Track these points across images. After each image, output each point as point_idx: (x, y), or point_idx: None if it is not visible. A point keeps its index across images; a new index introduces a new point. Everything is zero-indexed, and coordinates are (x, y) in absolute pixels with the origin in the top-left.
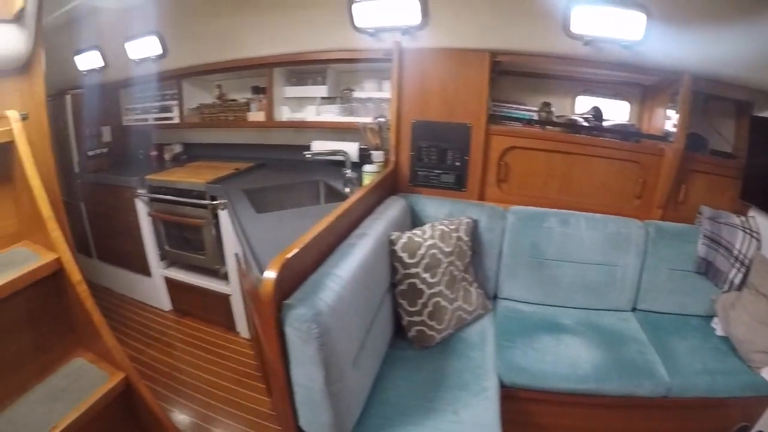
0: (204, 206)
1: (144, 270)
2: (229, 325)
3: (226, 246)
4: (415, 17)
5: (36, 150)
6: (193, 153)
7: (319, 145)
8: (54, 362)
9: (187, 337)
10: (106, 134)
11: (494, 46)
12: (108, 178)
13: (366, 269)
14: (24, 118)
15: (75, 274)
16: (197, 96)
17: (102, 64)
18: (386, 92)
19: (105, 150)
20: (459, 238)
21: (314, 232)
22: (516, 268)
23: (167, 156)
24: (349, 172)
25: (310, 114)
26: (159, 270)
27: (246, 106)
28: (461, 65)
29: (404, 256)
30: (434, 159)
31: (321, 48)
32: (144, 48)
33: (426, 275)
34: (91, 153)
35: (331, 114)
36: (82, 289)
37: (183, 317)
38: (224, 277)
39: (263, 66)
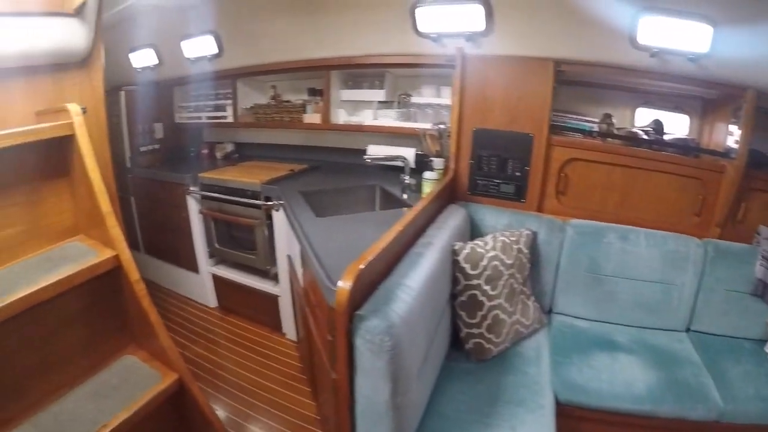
0: (258, 206)
1: (192, 266)
2: (275, 326)
3: (278, 247)
4: (479, 23)
5: (94, 144)
6: (244, 152)
7: (375, 150)
8: (105, 358)
9: (231, 335)
10: (159, 131)
11: (559, 55)
12: (160, 174)
13: (433, 280)
14: (83, 112)
15: (133, 273)
16: (251, 96)
17: (156, 61)
18: (445, 98)
19: (157, 146)
20: (519, 250)
21: (385, 241)
22: (572, 283)
23: (219, 154)
24: (407, 179)
25: (367, 118)
26: (207, 267)
27: (301, 108)
28: (524, 73)
29: (467, 267)
30: (494, 168)
31: (381, 51)
32: (199, 47)
33: (487, 287)
34: (143, 149)
35: (388, 119)
36: (140, 288)
37: (228, 315)
38: (274, 277)
39: (320, 68)
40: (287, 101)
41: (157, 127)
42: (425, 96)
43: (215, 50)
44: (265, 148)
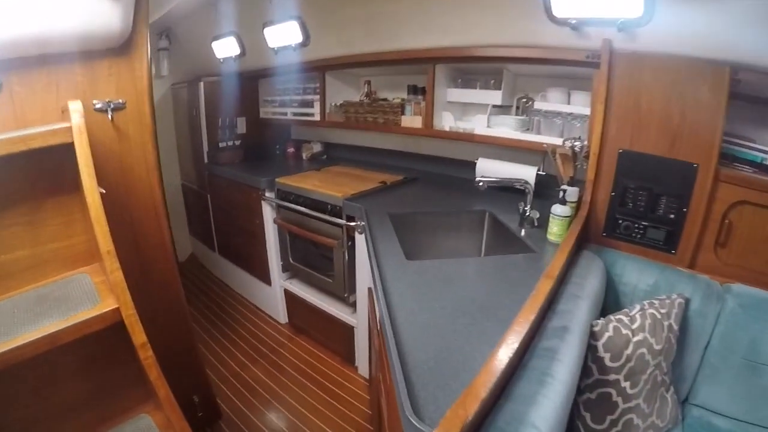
0: (338, 225)
1: (264, 277)
2: (348, 357)
3: (359, 273)
4: (635, 7)
5: (133, 146)
6: (333, 154)
7: (486, 165)
8: (116, 415)
9: (298, 360)
10: (241, 125)
11: (737, 57)
12: (235, 173)
13: (568, 399)
14: (119, 107)
15: (138, 335)
16: (342, 92)
17: (239, 51)
18: (577, 107)
19: (238, 142)
20: (670, 328)
21: (505, 353)
22: (721, 370)
23: (305, 155)
24: (528, 210)
25: (479, 124)
26: (280, 280)
27: (399, 108)
28: (692, 80)
29: (606, 356)
30: (642, 205)
31: (500, 42)
32: (284, 35)
33: (626, 384)
34: (222, 144)
35: (505, 128)
36: (146, 355)
37: (298, 334)
38: (352, 305)
39: (423, 61)
40: (383, 99)
41: (240, 121)
42: (551, 101)
43: (300, 38)
44: (356, 151)
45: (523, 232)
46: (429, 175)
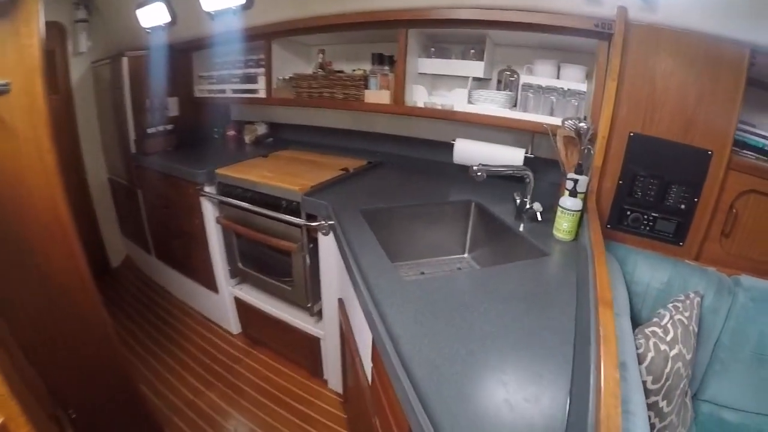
0: (297, 225)
1: (209, 284)
2: (315, 370)
3: (324, 280)
4: None
5: (22, 144)
6: (281, 136)
7: (465, 147)
8: None
9: (258, 377)
10: (173, 107)
11: (757, 38)
12: (167, 164)
13: None
14: (5, 90)
15: None
16: (292, 63)
17: (168, 18)
18: (570, 82)
19: (170, 127)
20: (693, 332)
21: None
22: (731, 365)
23: (248, 138)
24: (528, 202)
25: (459, 101)
26: (228, 288)
27: (362, 81)
28: (712, 61)
29: (648, 380)
30: (651, 195)
31: (490, 2)
32: None
33: (663, 403)
34: (151, 130)
35: (492, 104)
36: None
37: (255, 346)
38: (317, 313)
39: (394, 24)
40: (340, 72)
41: (172, 102)
42: (538, 75)
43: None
44: (307, 131)
45: (521, 228)
46: (395, 159)
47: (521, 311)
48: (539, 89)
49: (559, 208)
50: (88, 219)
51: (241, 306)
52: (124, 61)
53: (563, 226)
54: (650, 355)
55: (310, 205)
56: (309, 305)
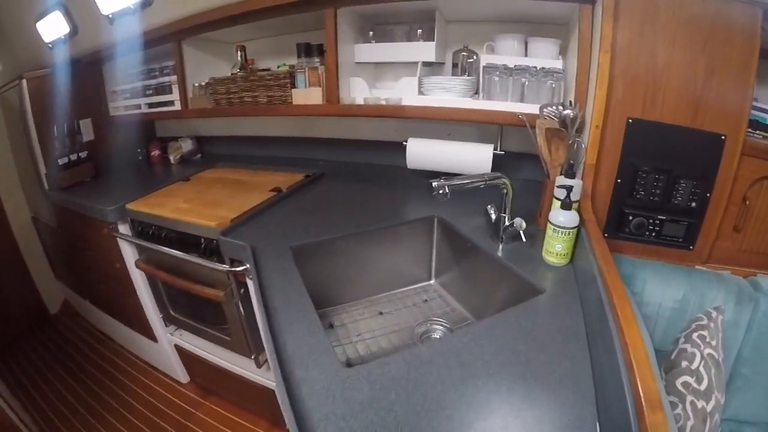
0: (220, 271)
1: (145, 332)
2: (276, 420)
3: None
4: None
5: None
6: (210, 151)
7: (419, 148)
8: None
9: None
10: (87, 131)
11: None
12: (76, 201)
13: None
14: None
15: None
16: (211, 67)
17: (68, 29)
18: (545, 60)
19: (84, 154)
20: (722, 362)
21: None
22: (753, 379)
23: (173, 157)
24: (507, 218)
25: (408, 92)
26: (166, 335)
27: (287, 79)
28: (724, 27)
29: None
30: (657, 194)
31: None
32: None
33: None
34: (63, 160)
35: (447, 93)
36: None
37: (207, 397)
38: (264, 363)
39: (314, 5)
40: (265, 70)
41: (84, 125)
42: (502, 54)
43: None
44: (240, 143)
45: (500, 251)
46: (339, 168)
47: (521, 401)
48: (506, 71)
49: (551, 227)
50: (16, 264)
51: (184, 354)
52: (23, 84)
53: (556, 248)
54: (690, 424)
55: (228, 247)
56: (253, 356)
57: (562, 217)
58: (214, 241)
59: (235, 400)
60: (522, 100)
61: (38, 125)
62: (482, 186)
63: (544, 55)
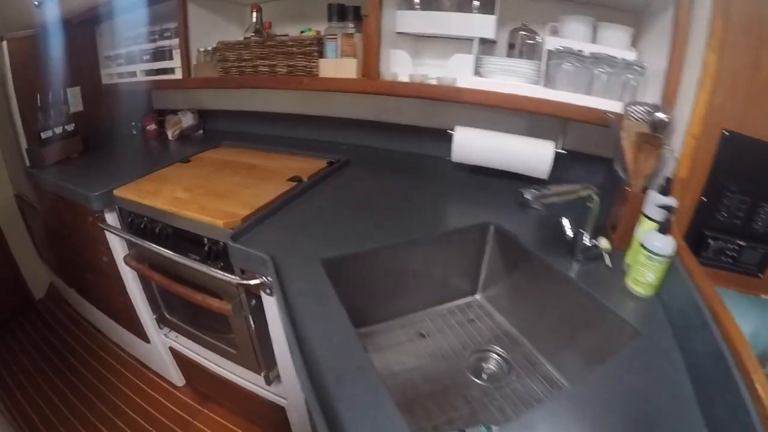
0: (229, 282)
1: (136, 331)
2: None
3: (277, 342)
4: None
5: None
6: (214, 127)
7: (469, 140)
8: None
9: None
10: (75, 100)
11: None
12: (57, 184)
13: None
14: None
15: None
16: (220, 30)
17: None
18: (613, 48)
19: (70, 127)
20: None
21: None
22: None
23: (171, 132)
24: (587, 236)
25: (463, 72)
26: (160, 337)
27: (314, 47)
28: None
29: None
30: (740, 217)
31: None
32: None
33: None
34: (46, 134)
35: (512, 77)
36: None
37: (205, 403)
38: (275, 378)
39: None
40: (283, 35)
41: (72, 94)
42: (567, 38)
43: None
44: (249, 119)
45: (574, 270)
46: (363, 153)
47: None
48: (580, 58)
49: (644, 252)
50: None
51: (180, 358)
52: (3, 46)
53: (647, 277)
54: None
55: (240, 257)
56: (262, 373)
57: (658, 243)
58: (221, 243)
59: (237, 410)
60: (589, 94)
61: (19, 93)
62: (576, 197)
63: (614, 44)
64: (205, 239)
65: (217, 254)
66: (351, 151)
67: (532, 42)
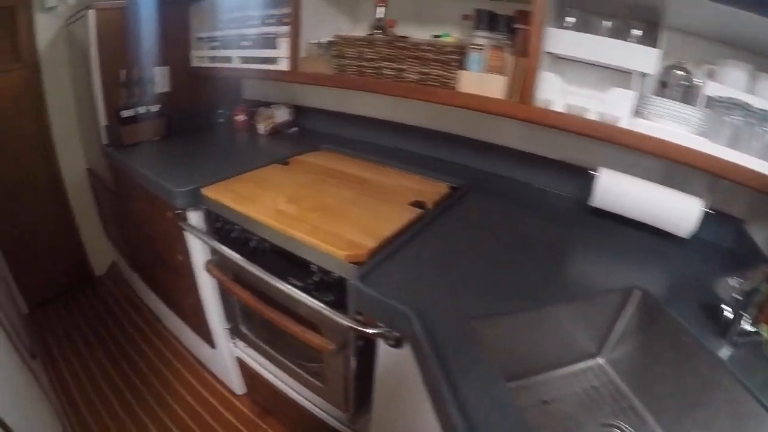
0: (340, 324)
1: (203, 334)
2: None
3: (378, 389)
4: None
5: None
6: (309, 126)
7: (614, 184)
8: None
9: None
10: (163, 80)
11: None
12: (139, 168)
13: None
14: None
15: None
16: (332, 22)
17: None
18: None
19: (155, 108)
20: None
21: None
22: None
23: (262, 126)
24: (750, 321)
25: (619, 107)
26: (228, 346)
27: (455, 56)
28: None
29: None
30: None
31: None
32: None
33: None
34: (128, 112)
35: (682, 126)
36: None
37: (265, 417)
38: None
39: None
40: (403, 37)
41: (160, 73)
42: (724, 84)
43: None
44: (349, 122)
45: (725, 354)
46: (480, 179)
47: None
48: (748, 112)
49: None
50: (64, 219)
51: (247, 370)
52: (90, 15)
53: None
54: None
55: (369, 303)
56: (350, 414)
57: None
58: (334, 274)
59: (296, 428)
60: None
61: (103, 67)
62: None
63: None
64: (315, 267)
65: (329, 286)
66: (464, 173)
67: (688, 84)
